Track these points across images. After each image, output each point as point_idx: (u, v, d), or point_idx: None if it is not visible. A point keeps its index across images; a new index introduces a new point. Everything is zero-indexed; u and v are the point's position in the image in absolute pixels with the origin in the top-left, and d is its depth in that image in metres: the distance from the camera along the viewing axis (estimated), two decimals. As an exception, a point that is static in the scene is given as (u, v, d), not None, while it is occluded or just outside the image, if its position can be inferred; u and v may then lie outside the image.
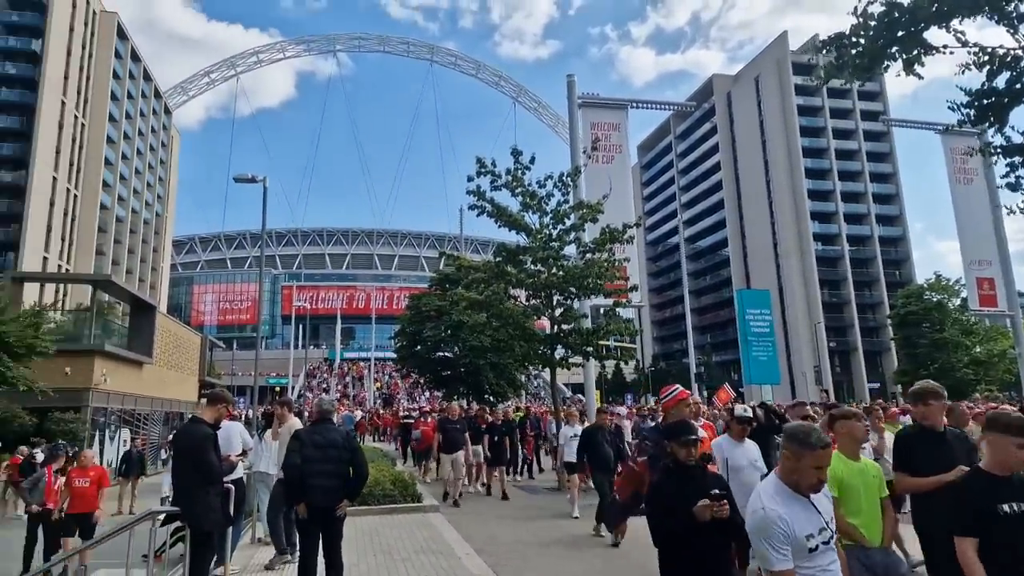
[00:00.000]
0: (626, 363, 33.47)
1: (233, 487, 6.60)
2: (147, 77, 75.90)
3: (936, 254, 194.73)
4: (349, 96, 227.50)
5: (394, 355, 34.27)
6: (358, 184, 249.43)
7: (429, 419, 17.71)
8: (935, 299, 45.73)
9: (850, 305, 73.11)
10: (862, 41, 8.11)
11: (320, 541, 5.71)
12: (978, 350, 45.35)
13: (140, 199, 73.86)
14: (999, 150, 9.11)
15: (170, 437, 25.03)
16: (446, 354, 25.82)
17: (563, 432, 11.65)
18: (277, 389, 65.30)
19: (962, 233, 35.82)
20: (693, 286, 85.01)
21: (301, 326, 67.06)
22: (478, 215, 17.01)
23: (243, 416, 25.90)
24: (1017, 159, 9.02)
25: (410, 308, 28.12)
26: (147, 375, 25.25)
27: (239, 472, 7.31)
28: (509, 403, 26.59)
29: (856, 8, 7.83)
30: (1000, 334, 50.36)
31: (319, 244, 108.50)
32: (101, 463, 20.44)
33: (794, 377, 67.72)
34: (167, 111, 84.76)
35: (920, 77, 8.94)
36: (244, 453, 7.83)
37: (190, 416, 6.31)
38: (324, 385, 64.30)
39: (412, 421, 20.01)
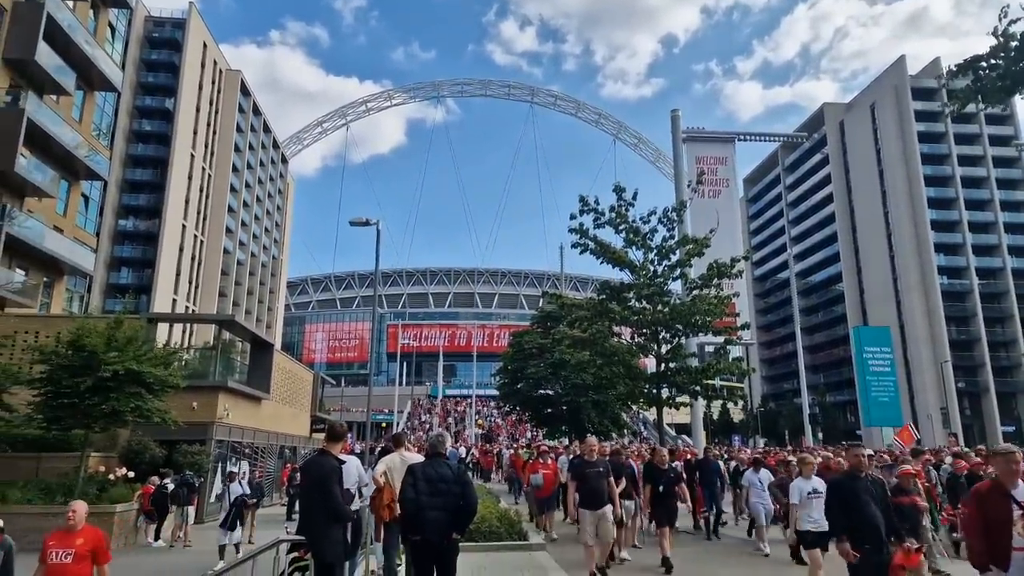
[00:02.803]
0: (735, 403, 32.17)
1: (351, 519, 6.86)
2: (267, 129, 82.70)
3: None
4: (454, 140, 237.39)
5: (495, 392, 34.64)
6: (460, 225, 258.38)
7: (550, 460, 14.36)
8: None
9: (980, 343, 66.91)
10: (1002, 63, 7.67)
11: (433, 574, 5.79)
12: None
13: (258, 243, 79.80)
14: None
15: (287, 466, 26.44)
16: (548, 392, 25.85)
17: (795, 488, 8.33)
18: (383, 425, 67.49)
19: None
20: (805, 323, 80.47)
21: (405, 363, 69.22)
22: (581, 253, 17.14)
23: (351, 450, 26.72)
24: None
25: (512, 346, 28.49)
26: (264, 410, 26.30)
27: (356, 504, 7.55)
28: (614, 441, 26.09)
29: (996, 28, 7.43)
30: None
31: (423, 284, 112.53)
32: (226, 496, 21.49)
33: (918, 419, 62.19)
34: (284, 160, 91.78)
35: (1068, 97, 8.31)
36: (360, 488, 8.14)
37: (317, 449, 6.58)
38: (427, 423, 65.72)
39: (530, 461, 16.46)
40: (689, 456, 15.48)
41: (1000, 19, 7.78)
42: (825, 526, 7.07)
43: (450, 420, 68.57)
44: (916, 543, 6.65)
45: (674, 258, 16.77)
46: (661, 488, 10.16)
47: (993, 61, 7.98)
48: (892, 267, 71.69)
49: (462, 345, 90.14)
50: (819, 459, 13.15)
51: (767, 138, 37.85)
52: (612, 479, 9.18)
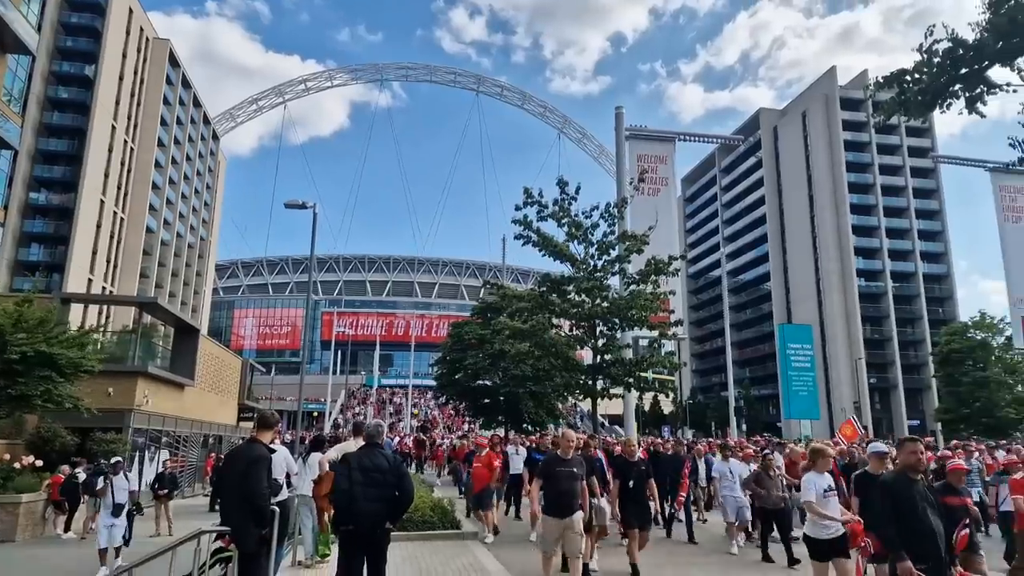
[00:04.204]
0: (666, 395, 33.09)
1: (278, 509, 6.71)
2: (197, 103, 78.88)
3: (980, 293, 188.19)
4: (399, 126, 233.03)
5: (433, 383, 34.45)
6: (401, 213, 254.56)
7: (485, 452, 12.43)
8: (979, 337, 44.60)
9: (892, 342, 71.41)
10: (925, 78, 8.11)
11: (364, 565, 5.76)
12: (1021, 389, 43.99)
13: (185, 223, 76.17)
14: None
15: (211, 456, 25.56)
16: (486, 382, 25.89)
17: (810, 482, 6.54)
18: (315, 415, 66.00)
19: (1009, 270, 35.10)
20: (734, 320, 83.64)
21: (340, 352, 67.88)
22: (523, 244, 17.21)
23: (279, 440, 26.08)
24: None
25: (451, 336, 28.37)
26: (188, 397, 25.53)
27: (283, 494, 7.41)
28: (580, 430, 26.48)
29: (921, 45, 7.85)
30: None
31: (360, 271, 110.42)
32: (140, 484, 20.81)
33: (833, 413, 65.96)
34: (215, 137, 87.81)
35: (982, 116, 8.88)
36: (288, 477, 7.96)
37: (247, 437, 6.41)
38: (361, 413, 64.75)
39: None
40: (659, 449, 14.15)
41: (925, 37, 8.24)
42: (840, 531, 6.16)
43: (388, 410, 67.80)
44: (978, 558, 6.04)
45: (614, 253, 17.05)
46: (631, 484, 8.77)
47: (916, 76, 8.43)
48: (816, 268, 75.33)
49: (400, 335, 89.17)
50: (748, 449, 13.31)
51: (706, 139, 39.06)
52: (586, 482, 7.62)
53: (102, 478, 11.90)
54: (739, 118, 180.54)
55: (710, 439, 26.98)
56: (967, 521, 5.81)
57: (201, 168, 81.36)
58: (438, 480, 22.64)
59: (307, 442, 14.50)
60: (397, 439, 30.23)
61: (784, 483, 10.33)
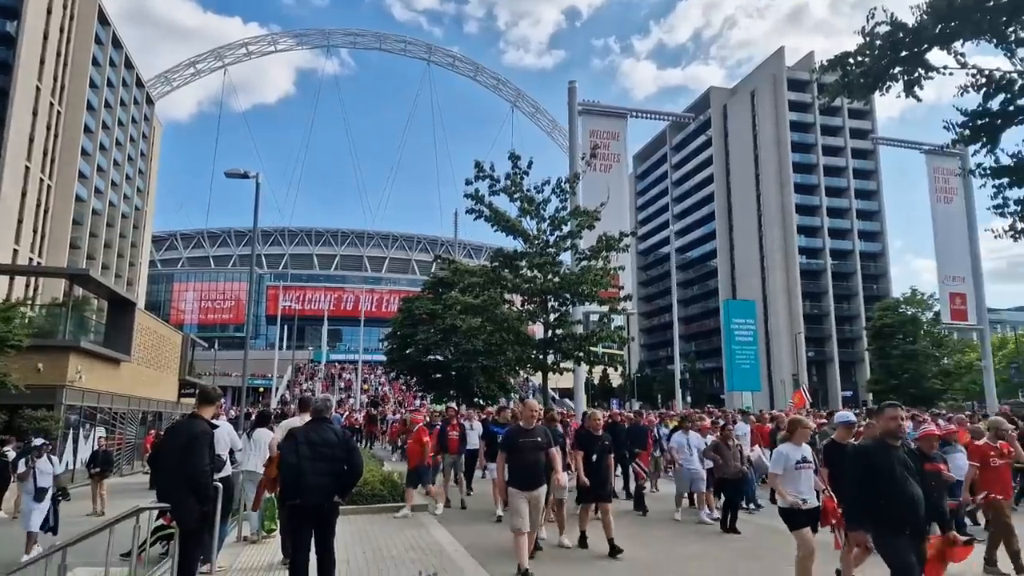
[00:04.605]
0: (615, 369, 33.70)
1: (221, 485, 6.59)
2: (129, 65, 74.51)
3: (912, 271, 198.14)
4: (348, 96, 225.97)
5: (383, 358, 34.19)
6: (350, 185, 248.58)
7: (417, 428, 11.90)
8: (909, 312, 47.09)
9: (829, 317, 74.45)
10: (867, 61, 8.33)
11: (312, 538, 5.73)
12: (947, 362, 46.94)
13: (118, 192, 72.22)
14: (988, 171, 9.35)
15: (151, 433, 24.84)
16: (437, 357, 25.85)
17: (781, 455, 6.29)
18: (261, 390, 64.74)
19: (939, 249, 36.94)
20: (681, 296, 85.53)
21: (286, 327, 66.50)
22: (475, 219, 17.09)
23: (225, 416, 25.64)
24: (1004, 180, 9.27)
25: (402, 311, 28.18)
26: (125, 373, 24.86)
27: (227, 470, 7.31)
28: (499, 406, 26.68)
29: (864, 28, 8.03)
30: (968, 347, 51.95)
31: (307, 244, 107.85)
32: (75, 463, 20.16)
33: (773, 385, 68.62)
34: (149, 101, 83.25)
35: (919, 100, 9.20)
36: (232, 453, 7.80)
37: (188, 413, 6.24)
38: (310, 388, 63.81)
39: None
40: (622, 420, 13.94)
41: (867, 20, 8.45)
42: (813, 503, 6.06)
43: (338, 385, 67.00)
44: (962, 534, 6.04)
45: (566, 229, 17.10)
46: (595, 457, 8.59)
47: (859, 58, 8.65)
48: (760, 246, 77.60)
49: (349, 309, 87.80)
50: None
51: (658, 116, 39.36)
52: (552, 452, 7.43)
53: (23, 461, 11.39)
54: (691, 96, 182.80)
55: (662, 411, 27.66)
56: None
57: (135, 134, 77.31)
58: (392, 456, 22.61)
59: (252, 418, 14.18)
60: (345, 414, 29.96)
61: (742, 453, 10.64)
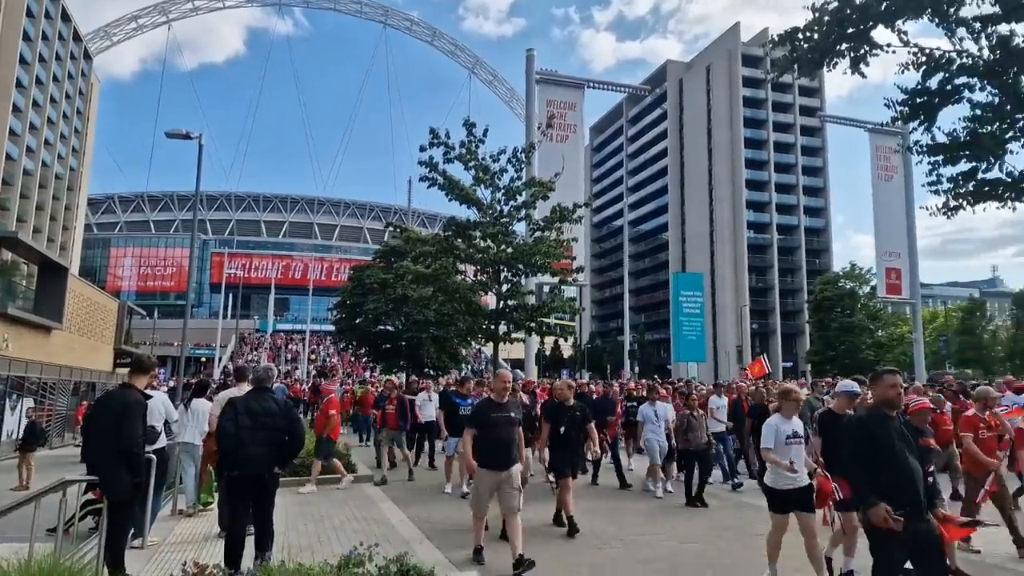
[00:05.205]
0: (565, 340, 34.07)
1: (155, 457, 6.40)
2: (65, 17, 69.97)
3: (853, 246, 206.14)
4: (300, 57, 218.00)
5: (332, 328, 33.67)
6: (301, 150, 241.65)
7: (327, 399, 11.56)
8: (848, 286, 49.05)
9: (773, 291, 76.85)
10: (815, 36, 8.43)
11: (251, 509, 5.67)
12: (880, 334, 49.23)
13: (52, 151, 68.23)
14: (924, 149, 9.64)
15: (83, 404, 23.97)
16: (387, 328, 25.60)
17: (771, 428, 5.84)
18: (203, 360, 63.08)
19: (878, 225, 38.56)
20: (633, 268, 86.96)
21: (231, 295, 64.65)
22: (429, 187, 16.85)
23: (165, 387, 24.93)
24: (939, 158, 9.58)
25: (352, 280, 27.71)
26: (56, 341, 24.02)
27: (161, 442, 7.12)
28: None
29: (813, 3, 8.09)
30: (901, 320, 54.69)
31: (254, 210, 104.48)
32: (1, 435, 19.32)
33: (718, 356, 70.73)
34: (87, 56, 78.45)
35: (863, 76, 9.38)
36: (168, 425, 7.59)
37: (121, 382, 6.00)
38: (254, 359, 62.48)
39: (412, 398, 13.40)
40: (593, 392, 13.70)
41: (818, -6, 8.51)
42: (804, 481, 5.59)
43: (284, 356, 65.80)
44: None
45: (520, 199, 17.01)
46: (562, 430, 8.08)
47: (808, 34, 8.75)
48: (711, 220, 79.14)
49: (297, 278, 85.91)
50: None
51: (615, 88, 39.37)
52: (521, 428, 6.88)
53: None
54: (648, 69, 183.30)
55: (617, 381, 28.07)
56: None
57: (71, 90, 72.82)
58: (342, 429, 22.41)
59: (190, 389, 13.75)
60: (290, 384, 29.52)
61: (708, 426, 10.46)
